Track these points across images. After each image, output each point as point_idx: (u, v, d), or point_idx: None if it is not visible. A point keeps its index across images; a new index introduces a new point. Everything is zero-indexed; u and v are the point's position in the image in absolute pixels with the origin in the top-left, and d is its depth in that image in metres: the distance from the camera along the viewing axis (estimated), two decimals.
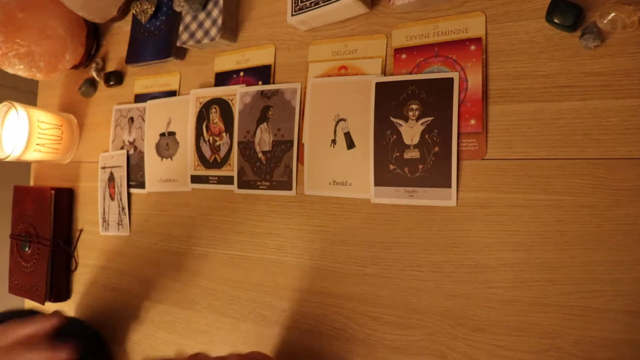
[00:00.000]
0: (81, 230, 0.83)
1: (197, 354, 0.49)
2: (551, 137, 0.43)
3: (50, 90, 0.93)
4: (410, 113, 0.49)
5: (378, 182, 0.51)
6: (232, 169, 0.63)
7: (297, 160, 0.58)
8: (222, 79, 0.66)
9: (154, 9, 0.72)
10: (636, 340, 0.38)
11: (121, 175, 0.76)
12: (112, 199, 0.77)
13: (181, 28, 0.67)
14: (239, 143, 0.63)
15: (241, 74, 0.65)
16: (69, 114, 0.86)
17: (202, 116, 0.67)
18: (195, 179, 0.67)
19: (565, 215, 0.41)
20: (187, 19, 0.66)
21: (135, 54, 0.74)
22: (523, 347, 0.42)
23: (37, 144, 0.79)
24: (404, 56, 0.51)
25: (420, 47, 0.50)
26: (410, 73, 0.50)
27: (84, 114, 0.86)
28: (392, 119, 0.50)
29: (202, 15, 0.65)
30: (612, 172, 0.40)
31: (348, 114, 0.54)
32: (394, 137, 0.50)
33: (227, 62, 0.66)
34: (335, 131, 0.55)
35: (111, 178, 0.77)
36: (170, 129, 0.71)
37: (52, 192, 0.81)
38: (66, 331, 0.73)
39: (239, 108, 0.63)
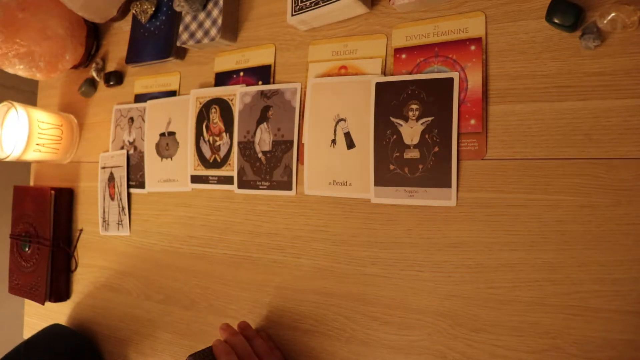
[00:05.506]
0: (81, 230, 0.83)
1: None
2: (551, 137, 0.43)
3: (50, 90, 0.93)
4: (410, 113, 0.49)
5: (378, 182, 0.51)
6: (232, 169, 0.63)
7: (297, 160, 0.58)
8: (222, 79, 0.66)
9: (154, 9, 0.72)
10: (636, 340, 0.38)
11: (121, 175, 0.76)
12: (112, 199, 0.77)
13: (181, 28, 0.67)
14: (239, 143, 0.63)
15: (241, 74, 0.65)
16: (69, 114, 0.86)
17: (202, 116, 0.67)
18: (195, 179, 0.67)
19: (565, 215, 0.41)
20: (187, 19, 0.66)
21: (135, 54, 0.74)
22: (523, 347, 0.42)
23: (37, 144, 0.79)
24: (404, 56, 0.51)
25: (420, 47, 0.50)
26: (410, 73, 0.50)
27: (84, 114, 0.86)
28: (392, 119, 0.50)
29: (202, 15, 0.65)
30: (612, 172, 0.40)
31: (348, 114, 0.54)
32: (394, 137, 0.50)
33: (227, 62, 0.66)
34: (335, 131, 0.55)
35: (111, 178, 0.77)
36: (170, 129, 0.71)
37: (52, 192, 0.81)
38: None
39: (239, 108, 0.63)
